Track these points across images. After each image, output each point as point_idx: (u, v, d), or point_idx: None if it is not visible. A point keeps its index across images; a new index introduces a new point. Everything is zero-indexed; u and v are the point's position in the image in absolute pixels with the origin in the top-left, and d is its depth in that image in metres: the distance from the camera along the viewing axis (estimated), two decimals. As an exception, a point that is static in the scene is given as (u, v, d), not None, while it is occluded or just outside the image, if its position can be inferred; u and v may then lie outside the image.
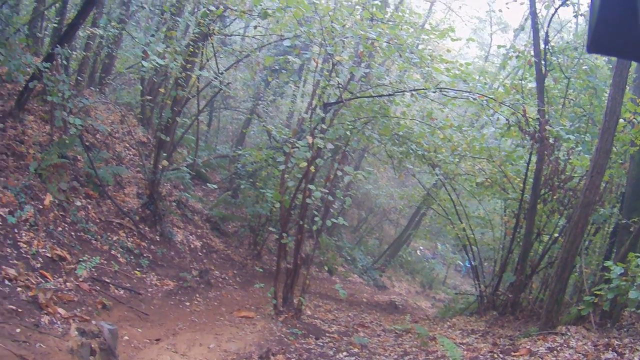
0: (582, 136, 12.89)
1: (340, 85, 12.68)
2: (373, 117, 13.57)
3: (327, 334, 12.02)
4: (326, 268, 23.17)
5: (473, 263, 17.13)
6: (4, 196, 10.22)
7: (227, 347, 9.59)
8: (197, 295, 13.20)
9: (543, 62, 13.34)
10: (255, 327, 11.20)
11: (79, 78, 17.10)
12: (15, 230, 9.94)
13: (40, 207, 11.07)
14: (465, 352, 9.24)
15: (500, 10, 28.60)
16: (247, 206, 19.89)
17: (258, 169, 20.02)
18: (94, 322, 7.11)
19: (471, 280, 30.43)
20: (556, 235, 13.71)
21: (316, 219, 12.17)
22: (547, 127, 12.13)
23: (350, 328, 13.57)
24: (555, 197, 13.18)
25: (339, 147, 13.20)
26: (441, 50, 17.13)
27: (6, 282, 8.51)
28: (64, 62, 13.84)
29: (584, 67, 13.64)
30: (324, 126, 12.07)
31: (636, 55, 2.26)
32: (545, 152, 12.74)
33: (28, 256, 9.65)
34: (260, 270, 16.04)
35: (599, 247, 13.49)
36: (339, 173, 12.29)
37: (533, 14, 14.00)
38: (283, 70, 17.02)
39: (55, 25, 16.22)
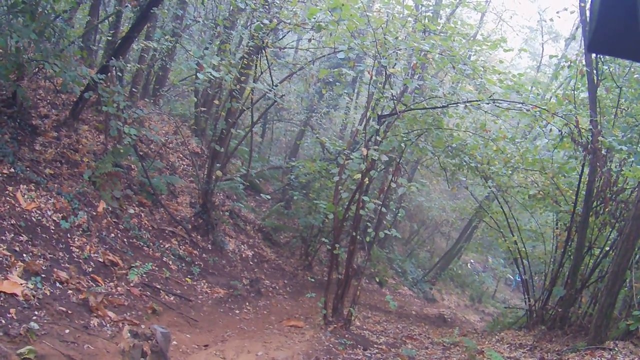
0: (635, 147, 12.70)
1: (394, 98, 12.70)
2: (427, 129, 13.55)
3: (375, 345, 12.01)
4: (377, 280, 23.15)
5: (523, 277, 16.95)
6: (58, 202, 10.46)
7: (275, 355, 9.64)
8: (247, 303, 13.30)
9: (595, 72, 13.18)
10: (304, 336, 11.24)
11: (133, 90, 17.44)
12: (68, 235, 10.17)
13: (94, 213, 11.31)
14: (513, 366, 9.17)
15: (551, 20, 28.32)
16: (299, 217, 19.99)
17: (311, 181, 20.13)
18: (143, 326, 7.24)
19: (520, 294, 30.11)
20: (607, 248, 13.50)
21: (369, 230, 12.20)
22: (600, 138, 11.98)
23: (399, 340, 13.53)
24: (607, 209, 12.98)
25: (392, 159, 13.21)
26: (493, 61, 17.09)
27: (57, 284, 8.69)
28: (119, 73, 14.14)
29: (635, 76, 13.45)
30: (378, 138, 12.11)
31: (636, 55, 2.28)
32: (598, 164, 12.56)
33: (80, 260, 9.86)
34: (311, 280, 16.09)
35: (650, 261, 13.26)
36: (393, 185, 12.30)
37: (583, 22, 13.86)
38: (337, 83, 17.13)
39: (109, 38, 16.58)
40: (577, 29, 24.63)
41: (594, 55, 13.20)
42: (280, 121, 28.00)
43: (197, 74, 12.95)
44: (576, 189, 14.00)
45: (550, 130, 14.68)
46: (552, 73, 23.33)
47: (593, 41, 2.09)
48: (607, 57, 13.32)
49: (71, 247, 9.99)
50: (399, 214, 15.36)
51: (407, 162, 22.06)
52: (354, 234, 12.46)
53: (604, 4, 2.00)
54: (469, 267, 36.97)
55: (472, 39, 16.29)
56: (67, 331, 7.67)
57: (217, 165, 15.26)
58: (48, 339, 7.18)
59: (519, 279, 20.59)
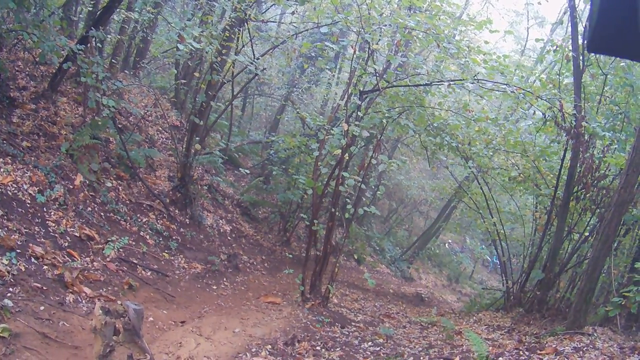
0: (618, 134, 12.71)
1: (377, 74, 12.60)
2: (409, 106, 13.48)
3: (353, 323, 12.00)
4: (355, 257, 23.16)
5: (502, 258, 16.99)
6: (34, 175, 10.29)
7: (253, 332, 9.60)
8: (225, 279, 13.24)
9: (581, 57, 13.13)
10: (281, 313, 11.21)
11: (113, 61, 17.23)
12: (44, 209, 10.01)
13: (71, 187, 11.16)
14: (490, 348, 9.15)
15: (539, 3, 28.20)
16: (278, 192, 19.92)
17: (290, 156, 20.04)
18: (118, 302, 7.13)
19: (498, 275, 30.32)
20: (586, 234, 13.54)
21: (348, 206, 12.13)
22: (583, 124, 11.95)
23: (376, 318, 13.53)
24: (588, 195, 12.99)
25: (373, 136, 13.13)
26: (478, 42, 17.00)
27: (32, 259, 8.57)
28: (98, 44, 13.91)
29: (621, 64, 13.42)
30: (359, 114, 12.02)
31: (636, 55, 2.22)
32: (580, 149, 12.54)
33: (56, 235, 9.72)
34: (289, 256, 16.03)
35: (628, 248, 13.29)
36: (373, 161, 12.23)
37: (572, 7, 13.77)
38: (319, 57, 16.95)
39: (90, 9, 16.31)
40: (564, 13, 24.52)
41: (580, 40, 13.16)
42: (261, 95, 27.85)
43: (178, 45, 12.79)
44: (557, 173, 14.03)
45: (534, 113, 14.67)
46: (536, 57, 23.29)
47: (592, 41, 2.04)
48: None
49: (47, 222, 9.85)
50: (379, 191, 15.35)
51: (387, 139, 22.04)
52: (333, 210, 12.41)
53: (603, 3, 1.94)
54: (447, 247, 37.13)
55: (457, 18, 16.16)
56: (42, 308, 7.58)
57: (196, 138, 15.11)
58: (22, 316, 7.09)
59: (497, 261, 20.66)
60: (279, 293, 13.55)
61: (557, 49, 14.28)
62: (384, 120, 12.85)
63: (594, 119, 12.78)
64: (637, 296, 8.67)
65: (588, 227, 13.60)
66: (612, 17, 1.95)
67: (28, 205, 9.68)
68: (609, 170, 12.79)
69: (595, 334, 9.03)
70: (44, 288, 8.08)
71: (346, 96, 12.68)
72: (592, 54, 13.13)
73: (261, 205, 20.98)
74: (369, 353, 9.82)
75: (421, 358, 9.25)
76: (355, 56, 12.64)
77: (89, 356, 6.70)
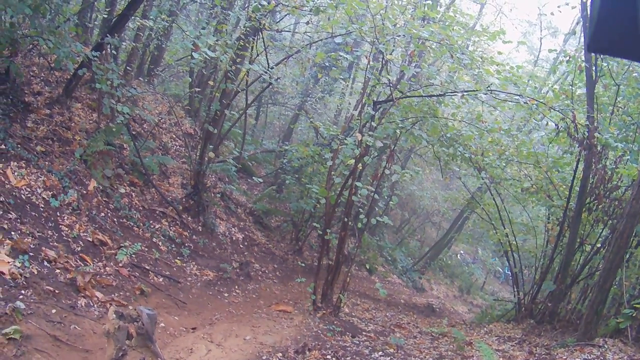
0: (630, 145, 12.68)
1: (391, 84, 12.63)
2: (422, 117, 13.49)
3: (364, 333, 11.98)
4: (366, 267, 23.12)
5: (513, 270, 16.94)
6: (48, 180, 10.37)
7: (264, 339, 9.61)
8: (236, 287, 13.26)
9: (594, 68, 13.13)
10: (292, 321, 11.21)
11: (127, 68, 17.32)
12: (58, 214, 10.09)
13: (84, 192, 11.23)
14: (501, 359, 9.14)
15: (552, 14, 28.26)
16: (291, 201, 19.95)
17: (304, 165, 20.05)
18: (130, 307, 7.17)
19: (509, 287, 30.19)
20: (598, 245, 13.49)
21: (361, 216, 12.15)
22: (596, 134, 11.94)
23: (387, 328, 13.51)
24: (600, 206, 12.95)
25: (387, 146, 13.15)
26: (491, 53, 16.99)
27: (45, 263, 8.63)
28: (113, 51, 14.03)
29: (634, 75, 13.40)
30: (373, 124, 12.04)
31: (636, 55, 2.24)
32: (593, 160, 12.53)
33: (69, 239, 9.78)
34: (301, 265, 16.04)
35: (640, 260, 13.26)
36: (386, 172, 12.24)
37: (584, 17, 13.79)
38: (333, 67, 16.99)
39: (105, 16, 16.45)
40: (577, 24, 24.54)
41: (594, 51, 13.13)
42: (275, 105, 27.92)
43: (193, 53, 12.85)
44: (570, 185, 13.98)
45: (547, 124, 14.65)
46: (549, 67, 23.27)
47: (593, 41, 2.05)
48: (606, 54, 13.25)
49: (60, 226, 9.91)
50: (391, 202, 15.33)
51: (401, 150, 22.02)
52: (346, 219, 12.42)
53: (604, 3, 1.96)
54: (459, 257, 37.02)
55: (471, 29, 16.19)
56: (53, 311, 7.62)
57: (210, 146, 15.17)
58: (34, 318, 7.12)
59: (508, 272, 20.59)
60: (291, 301, 13.55)
61: (570, 59, 14.29)
62: (398, 131, 12.86)
63: (607, 130, 12.76)
64: (648, 308, 8.65)
65: (600, 239, 13.54)
66: (612, 17, 1.95)
67: (42, 209, 9.76)
68: (622, 182, 12.75)
69: (605, 346, 9.01)
70: (56, 291, 8.13)
71: (360, 106, 12.73)
72: (605, 65, 13.13)
73: (274, 214, 20.99)
74: (380, 362, 9.82)
75: (432, 368, 9.25)
76: (369, 66, 12.68)
77: (99, 360, 6.75)
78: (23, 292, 7.58)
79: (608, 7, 1.94)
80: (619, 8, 1.91)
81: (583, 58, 13.48)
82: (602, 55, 13.21)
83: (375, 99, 12.65)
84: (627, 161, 12.53)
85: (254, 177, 19.94)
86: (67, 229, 9.98)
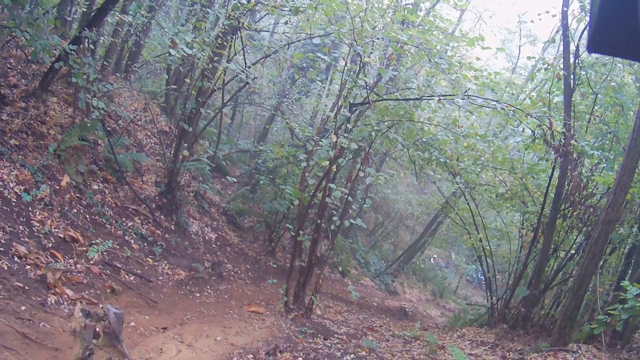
0: (606, 153, 12.76)
1: (367, 87, 12.61)
2: (398, 120, 13.49)
3: (336, 335, 11.97)
4: (339, 269, 23.08)
5: (487, 274, 17.00)
6: (21, 174, 10.23)
7: (235, 340, 9.55)
8: (208, 287, 13.17)
9: (572, 76, 13.20)
10: (264, 322, 11.16)
11: (105, 63, 17.18)
12: (29, 209, 9.96)
13: (57, 187, 11.09)
14: (474, 363, 9.15)
15: (532, 21, 28.31)
16: (264, 202, 19.88)
17: (278, 166, 20.02)
18: (101, 305, 7.09)
19: (482, 291, 30.31)
20: (572, 252, 13.59)
21: (334, 218, 12.13)
22: (572, 142, 12.00)
23: (359, 331, 13.51)
24: (575, 213, 13.04)
25: (362, 148, 13.14)
26: (469, 59, 17.04)
27: (15, 259, 8.53)
28: (91, 46, 13.89)
29: (612, 84, 13.49)
30: (348, 126, 12.02)
31: (636, 55, 2.23)
32: (569, 167, 12.60)
33: (40, 235, 9.67)
34: (274, 266, 15.99)
35: (614, 267, 13.34)
36: (361, 174, 12.23)
37: (565, 26, 13.86)
38: (311, 68, 16.96)
39: (85, 9, 16.29)
40: (557, 32, 24.66)
41: (572, 59, 13.24)
42: (251, 104, 27.81)
43: (170, 50, 12.77)
44: (545, 191, 14.06)
45: (523, 130, 14.72)
46: (527, 75, 23.38)
47: (593, 41, 2.05)
48: (584, 62, 13.37)
49: (32, 221, 9.79)
50: (365, 204, 15.32)
51: (376, 153, 22.03)
52: (319, 221, 12.40)
53: (604, 4, 1.95)
54: (432, 261, 37.13)
55: (450, 34, 16.22)
56: (23, 308, 7.52)
57: (185, 145, 15.06)
58: (3, 315, 7.03)
59: (482, 277, 20.65)
60: (263, 303, 13.50)
61: (549, 67, 14.37)
62: (373, 134, 12.84)
63: (583, 138, 12.85)
64: (623, 314, 8.67)
65: (574, 245, 13.65)
66: (612, 17, 1.95)
67: (13, 204, 9.63)
68: (597, 189, 12.85)
69: (579, 352, 9.05)
70: (26, 288, 8.02)
71: (336, 108, 12.69)
72: (584, 73, 13.21)
73: (247, 214, 20.92)
74: (351, 366, 9.80)
75: (403, 372, 9.24)
76: (346, 68, 12.66)
77: (68, 358, 6.64)
78: (-8, 288, 7.48)
79: (608, 8, 1.95)
80: (619, 8, 1.92)
81: (562, 66, 13.56)
82: (580, 63, 13.32)
83: (351, 101, 12.62)
84: (603, 169, 12.63)
85: (228, 177, 19.82)
86: (38, 224, 9.86)
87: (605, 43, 2.09)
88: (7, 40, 13.02)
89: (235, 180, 20.70)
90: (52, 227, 10.11)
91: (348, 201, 13.45)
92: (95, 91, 12.45)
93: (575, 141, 12.02)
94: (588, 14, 13.93)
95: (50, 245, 9.73)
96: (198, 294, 12.48)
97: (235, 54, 15.25)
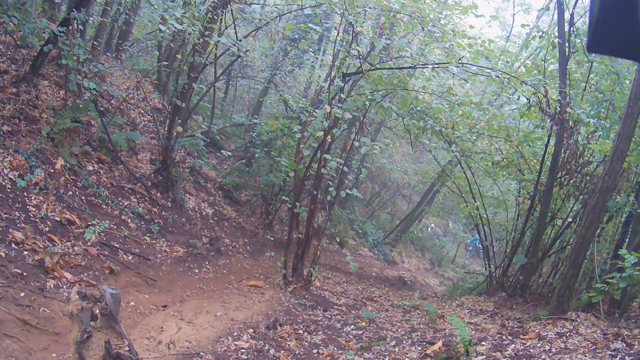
0: (602, 121, 12.71)
1: (361, 56, 12.53)
2: (392, 89, 13.42)
3: (336, 307, 12.00)
4: (337, 240, 23.13)
5: (484, 243, 17.02)
6: (15, 160, 10.16)
7: (235, 315, 9.56)
8: (207, 262, 13.16)
9: (567, 44, 13.12)
10: (263, 296, 11.18)
11: (95, 44, 17.04)
12: (25, 194, 9.91)
13: (51, 171, 11.04)
14: (473, 332, 9.15)
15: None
16: (260, 175, 19.87)
17: (273, 139, 19.97)
18: (100, 287, 7.07)
19: (478, 259, 30.36)
20: (569, 220, 13.58)
21: (330, 189, 12.10)
22: (568, 110, 11.95)
23: (359, 301, 13.54)
24: (572, 181, 13.01)
25: (356, 118, 13.09)
26: (463, 27, 16.93)
27: (13, 245, 8.50)
28: (80, 27, 13.76)
29: (607, 52, 13.38)
30: (342, 96, 11.95)
31: (636, 55, 2.20)
32: (565, 135, 12.55)
33: (36, 220, 9.62)
34: (271, 239, 15.99)
35: (611, 235, 13.33)
36: (356, 144, 12.19)
37: (559, -8, 13.76)
38: (303, 39, 16.84)
39: (73, -10, 16.14)
40: (551, 0, 24.52)
41: (566, 27, 13.15)
42: (244, 78, 27.65)
43: (161, 26, 12.67)
44: (541, 159, 14.04)
45: (518, 98, 14.66)
46: (522, 43, 23.28)
47: (593, 41, 2.02)
48: (579, 30, 13.30)
49: (27, 206, 9.75)
50: (361, 174, 15.25)
51: (370, 122, 21.96)
52: (315, 192, 12.39)
53: (603, 3, 1.93)
54: (430, 231, 37.23)
55: (443, 2, 16.09)
56: (22, 294, 7.50)
57: (178, 121, 14.99)
58: (2, 302, 7.02)
59: (479, 245, 20.67)
60: (261, 276, 13.51)
61: (543, 35, 14.29)
62: (367, 103, 12.79)
63: (579, 106, 12.78)
64: (621, 283, 8.65)
65: (571, 214, 13.63)
66: (612, 17, 1.93)
67: (8, 190, 9.58)
68: (593, 157, 12.81)
69: (578, 320, 9.04)
70: (24, 274, 8.00)
71: (329, 78, 12.62)
72: (578, 41, 13.13)
73: (243, 188, 20.89)
74: (352, 336, 9.82)
75: (404, 341, 9.25)
76: (339, 38, 12.58)
77: (69, 343, 6.64)
78: (-10, 276, 7.46)
79: (608, 7, 1.92)
80: (619, 8, 1.90)
81: (556, 34, 13.48)
82: (575, 31, 13.25)
83: (345, 71, 12.54)
84: (599, 137, 12.57)
85: (223, 151, 19.76)
86: (34, 209, 9.82)
87: (605, 43, 2.07)
88: (-5, 26, 12.91)
89: (230, 154, 20.68)
90: (48, 211, 10.07)
91: (344, 172, 13.40)
92: (86, 72, 12.36)
93: (571, 109, 11.97)
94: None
95: (47, 229, 9.70)
96: (197, 270, 12.47)
97: (226, 28, 15.15)
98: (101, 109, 14.45)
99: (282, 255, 12.51)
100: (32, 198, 10.01)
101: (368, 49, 13.24)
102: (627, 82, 12.86)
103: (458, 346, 8.16)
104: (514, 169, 15.98)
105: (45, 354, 6.74)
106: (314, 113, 11.93)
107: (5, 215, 8.99)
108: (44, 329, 7.08)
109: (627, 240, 11.61)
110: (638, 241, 10.09)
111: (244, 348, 8.21)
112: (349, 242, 24.76)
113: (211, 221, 16.36)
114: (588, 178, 12.70)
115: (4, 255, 8.04)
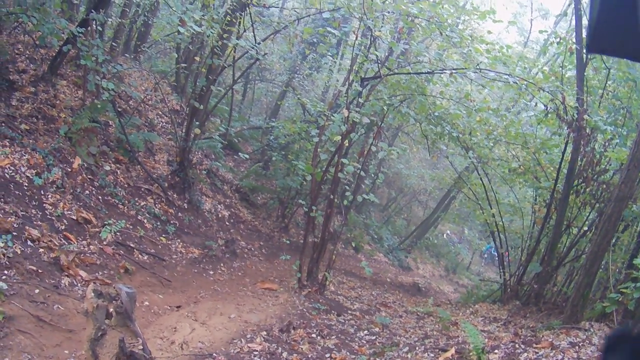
0: (619, 129, 12.64)
1: (379, 61, 12.53)
2: (410, 94, 13.40)
3: (349, 311, 11.98)
4: (353, 245, 23.10)
5: (500, 250, 16.94)
6: (32, 158, 10.23)
7: (248, 317, 9.57)
8: (222, 264, 13.19)
9: (584, 50, 13.05)
10: (277, 299, 11.18)
11: (113, 45, 17.14)
12: (42, 192, 9.97)
13: (69, 170, 11.10)
14: (486, 340, 9.11)
15: (544, -6, 28.23)
16: (277, 178, 19.88)
17: (290, 142, 19.99)
18: (114, 285, 7.10)
19: (493, 267, 30.19)
20: (585, 228, 13.49)
21: (347, 193, 12.10)
22: (585, 117, 11.89)
23: (373, 307, 13.51)
24: (588, 189, 12.93)
25: (374, 123, 13.08)
26: (481, 32, 16.91)
27: (29, 242, 8.54)
28: (99, 28, 13.84)
29: (625, 59, 13.33)
30: (360, 100, 11.95)
31: (636, 55, 2.18)
32: (582, 142, 12.48)
33: (53, 218, 9.68)
34: (287, 242, 15.99)
35: (626, 245, 13.23)
36: (373, 148, 12.18)
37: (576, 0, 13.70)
38: (321, 43, 16.86)
39: (92, -9, 16.22)
40: (569, 5, 24.39)
41: (584, 33, 13.08)
42: (262, 81, 27.71)
43: (180, 28, 12.71)
44: (558, 166, 13.95)
45: (536, 104, 14.59)
46: (540, 49, 23.17)
47: (593, 41, 2.01)
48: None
49: (44, 204, 9.81)
50: (378, 179, 15.24)
51: (388, 127, 21.95)
52: (332, 197, 12.37)
53: (603, 3, 1.91)
54: (445, 237, 37.09)
55: (461, 7, 16.07)
56: (37, 291, 7.56)
57: (196, 123, 15.03)
58: (17, 299, 7.06)
59: (494, 253, 20.57)
60: (276, 279, 13.53)
61: (561, 41, 14.21)
62: (385, 108, 12.78)
63: (596, 113, 12.71)
64: (635, 293, 8.58)
65: (587, 222, 13.54)
66: (612, 17, 1.90)
67: (25, 188, 9.64)
68: (610, 165, 12.71)
69: (592, 330, 8.99)
70: (40, 271, 8.05)
71: (347, 83, 12.62)
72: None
73: (260, 191, 20.91)
74: (365, 342, 9.81)
75: (417, 348, 9.23)
76: (357, 42, 12.57)
77: (82, 340, 6.65)
78: (6, 272, 7.52)
79: (608, 7, 1.90)
80: (619, 8, 1.87)
81: (574, 40, 13.41)
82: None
83: (363, 76, 12.54)
84: (616, 145, 12.49)
85: (240, 154, 19.79)
86: (51, 207, 9.87)
87: (605, 43, 2.04)
88: (15, 26, 13.02)
89: (247, 157, 20.70)
90: (65, 209, 10.12)
91: (360, 176, 13.42)
92: (105, 73, 12.45)
93: (588, 116, 11.90)
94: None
95: (63, 227, 9.75)
96: (212, 272, 12.51)
97: (244, 31, 15.19)
98: (119, 109, 14.53)
99: (297, 259, 12.51)
100: (49, 196, 10.07)
101: (386, 54, 13.27)
102: (645, 89, 12.80)
103: (471, 354, 8.14)
104: (530, 176, 15.89)
105: (58, 350, 6.78)
106: (332, 117, 11.94)
107: (22, 213, 9.05)
108: (58, 326, 7.13)
109: (642, 250, 11.52)
110: (654, 252, 10.02)
111: (256, 350, 8.22)
112: (365, 247, 24.72)
113: (227, 223, 16.39)
114: (604, 186, 12.61)
115: (19, 252, 8.09)
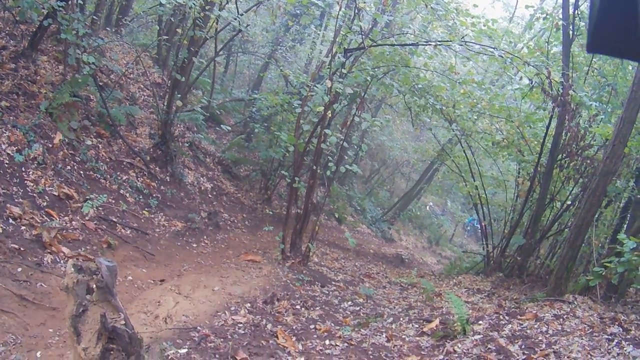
0: (604, 105, 12.67)
1: (363, 32, 12.46)
2: (394, 66, 13.35)
3: (333, 282, 12.02)
4: (336, 216, 23.16)
5: (483, 222, 17.00)
6: (13, 135, 10.13)
7: (232, 290, 9.56)
8: (205, 237, 13.17)
9: (571, 27, 13.05)
10: (261, 271, 11.18)
11: (94, 18, 16.90)
12: (23, 169, 9.88)
13: (50, 145, 10.99)
14: (470, 311, 9.18)
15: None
16: (260, 150, 19.85)
17: (273, 114, 19.93)
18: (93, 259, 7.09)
19: (476, 239, 30.35)
20: (568, 202, 13.57)
21: (330, 164, 12.08)
22: (570, 92, 11.90)
23: (356, 278, 13.57)
24: (572, 163, 12.98)
25: (357, 94, 13.03)
26: (466, 6, 16.86)
27: (10, 220, 8.50)
28: (80, 1, 13.65)
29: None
30: (343, 71, 11.90)
31: (636, 55, 2.18)
32: (566, 117, 12.51)
33: (34, 194, 9.61)
34: (270, 214, 15.97)
35: (609, 220, 13.32)
36: (356, 119, 12.15)
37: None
38: (304, 15, 16.74)
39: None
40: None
41: (571, 9, 13.08)
42: (245, 53, 27.51)
43: (161, 0, 12.58)
44: (542, 140, 13.98)
45: (521, 78, 14.58)
46: (525, 24, 23.14)
47: (593, 41, 2.02)
48: (584, 13, 13.24)
49: (25, 181, 9.73)
50: (361, 150, 15.24)
51: (371, 99, 21.91)
52: (315, 167, 12.36)
53: (603, 3, 1.93)
54: (428, 209, 37.22)
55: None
56: (19, 269, 7.54)
57: (178, 95, 14.92)
58: (0, 278, 6.99)
59: (477, 225, 20.66)
60: (259, 251, 13.52)
61: (547, 17, 14.18)
62: (369, 79, 12.74)
63: (581, 89, 12.74)
64: (619, 267, 8.64)
65: (570, 196, 13.62)
66: (612, 17, 1.93)
67: (6, 165, 9.55)
68: (594, 141, 12.77)
69: (575, 302, 9.06)
70: (22, 249, 8.01)
71: (331, 54, 12.55)
72: (583, 24, 13.06)
73: (243, 163, 20.86)
74: (349, 312, 9.85)
75: (401, 319, 9.28)
76: (340, 14, 12.48)
77: (66, 317, 6.66)
78: (-13, 251, 7.46)
79: (608, 7, 1.93)
80: (619, 8, 1.91)
81: (560, 16, 13.39)
82: (580, 13, 13.17)
83: (346, 47, 12.48)
84: (601, 121, 12.55)
85: (222, 126, 19.73)
86: (32, 184, 9.79)
87: (605, 43, 2.08)
88: (-7, 3, 12.83)
89: (229, 129, 20.63)
90: (46, 185, 10.05)
91: (343, 147, 13.37)
92: (86, 46, 12.32)
93: (574, 91, 11.92)
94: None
95: (44, 204, 9.68)
96: (195, 245, 12.49)
97: (227, 2, 15.03)
98: (100, 83, 14.38)
99: (281, 231, 12.52)
100: (30, 173, 9.98)
101: (370, 25, 13.17)
102: (630, 67, 12.80)
103: (455, 324, 8.19)
104: (514, 150, 15.91)
105: (42, 329, 6.76)
106: (315, 87, 11.88)
107: (3, 190, 8.97)
108: (41, 304, 7.11)
109: (625, 225, 11.61)
110: (637, 226, 10.08)
111: (241, 323, 8.22)
112: (348, 219, 24.79)
113: (210, 196, 16.35)
114: (588, 161, 12.67)
115: (1, 231, 8.05)
